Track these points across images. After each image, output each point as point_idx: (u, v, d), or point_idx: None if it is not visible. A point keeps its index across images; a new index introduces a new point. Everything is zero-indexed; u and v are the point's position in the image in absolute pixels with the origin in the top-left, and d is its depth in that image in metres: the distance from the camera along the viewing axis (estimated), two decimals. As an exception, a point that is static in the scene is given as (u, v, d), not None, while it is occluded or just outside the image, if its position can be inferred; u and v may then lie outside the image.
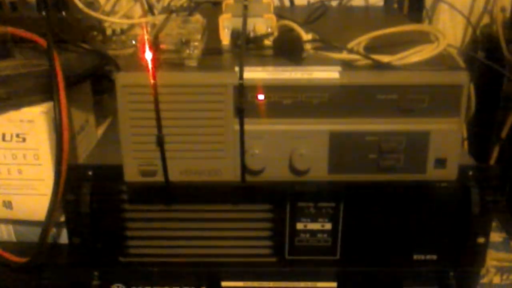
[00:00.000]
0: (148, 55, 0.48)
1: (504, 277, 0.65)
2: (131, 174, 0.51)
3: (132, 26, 0.84)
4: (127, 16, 0.82)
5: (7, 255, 0.61)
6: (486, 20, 0.88)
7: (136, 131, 0.49)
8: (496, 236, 0.69)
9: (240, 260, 0.60)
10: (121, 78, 0.48)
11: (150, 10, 0.80)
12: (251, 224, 0.58)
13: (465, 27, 0.89)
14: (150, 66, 0.48)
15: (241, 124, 0.49)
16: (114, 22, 0.76)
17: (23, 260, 0.60)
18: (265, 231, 0.59)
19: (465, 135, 0.71)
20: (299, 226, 0.58)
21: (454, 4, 0.86)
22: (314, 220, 0.58)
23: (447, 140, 0.50)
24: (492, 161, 0.70)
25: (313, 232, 0.58)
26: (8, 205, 0.61)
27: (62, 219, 0.61)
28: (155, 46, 0.49)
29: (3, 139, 0.58)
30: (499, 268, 0.65)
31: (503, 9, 0.83)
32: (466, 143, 0.72)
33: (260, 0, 0.60)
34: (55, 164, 0.56)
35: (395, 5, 0.85)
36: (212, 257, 0.60)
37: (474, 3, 0.88)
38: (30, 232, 0.64)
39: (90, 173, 0.56)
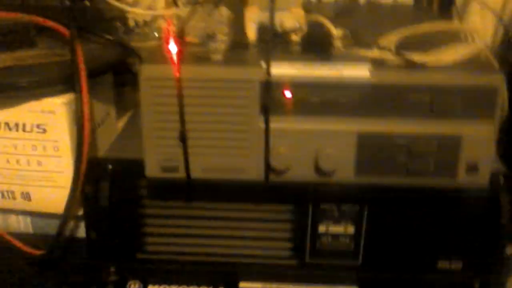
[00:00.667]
0: (173, 48, 0.47)
1: (531, 288, 0.63)
2: (152, 169, 0.50)
3: (155, 18, 0.83)
4: (150, 7, 0.81)
5: (23, 246, 0.60)
6: (518, 21, 0.85)
7: (158, 125, 0.48)
8: (524, 246, 0.67)
9: (260, 261, 0.58)
10: (145, 70, 0.47)
11: (174, 2, 0.79)
12: (272, 224, 0.57)
13: (496, 27, 0.87)
14: (174, 59, 0.46)
15: (267, 122, 0.48)
16: (137, 13, 0.75)
17: (39, 252, 0.59)
18: (286, 232, 0.57)
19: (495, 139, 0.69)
20: (321, 228, 0.57)
21: (486, 3, 0.84)
22: (336, 223, 0.57)
23: (479, 145, 0.49)
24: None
25: (335, 236, 0.57)
26: (26, 196, 0.60)
27: (81, 212, 0.60)
28: (180, 38, 0.48)
29: (24, 129, 0.57)
30: (526, 279, 0.62)
31: (537, 10, 0.80)
32: (496, 148, 0.70)
33: (288, -6, 0.58)
34: (75, 156, 0.55)
35: (424, 3, 0.82)
36: (231, 257, 0.58)
37: (506, 3, 0.86)
38: (48, 224, 0.64)
39: (110, 167, 0.55)
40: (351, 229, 0.57)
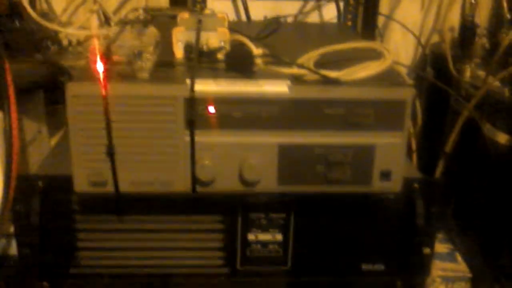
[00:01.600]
0: (100, 66, 0.48)
1: (449, 286, 0.67)
2: (81, 184, 0.51)
3: (89, 38, 0.84)
4: (83, 27, 0.81)
5: (-46, 267, 0.59)
6: (435, 39, 0.91)
7: (86, 141, 0.50)
8: (442, 247, 0.71)
9: (193, 271, 0.60)
10: (72, 88, 0.48)
11: (107, 22, 0.81)
12: (202, 235, 0.59)
13: (416, 46, 0.93)
14: (101, 76, 0.48)
15: (192, 136, 0.50)
16: (68, 33, 0.75)
17: (-30, 272, 0.59)
18: (217, 242, 0.59)
19: (414, 148, 0.74)
20: (251, 237, 0.59)
21: (405, 23, 0.89)
22: (265, 230, 0.59)
23: (391, 154, 0.52)
24: (437, 175, 0.73)
25: (264, 243, 0.59)
26: (-45, 215, 0.60)
27: (12, 230, 0.60)
28: (107, 57, 0.50)
29: (-48, 148, 0.57)
30: (444, 278, 0.67)
31: (451, 29, 0.87)
32: (414, 156, 0.74)
33: (215, 14, 0.61)
34: (4, 174, 0.55)
35: (349, 23, 0.87)
36: (164, 268, 0.60)
37: (424, 22, 0.92)
38: (-21, 243, 0.63)
39: (40, 183, 0.56)
40: (279, 237, 0.59)
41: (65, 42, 0.82)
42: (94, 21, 0.80)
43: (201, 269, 0.60)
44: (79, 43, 0.83)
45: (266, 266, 0.60)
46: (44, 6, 0.82)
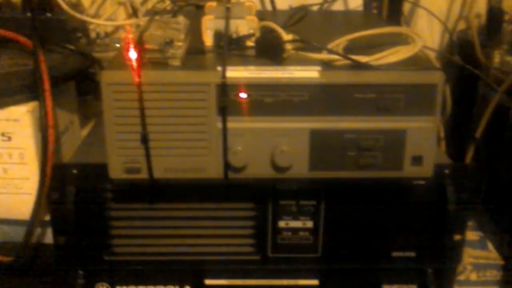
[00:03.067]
0: (133, 54, 0.49)
1: (481, 274, 0.66)
2: (116, 171, 0.52)
3: (116, 29, 0.85)
4: (111, 19, 0.83)
5: (-9, 254, 0.61)
6: (462, 25, 0.91)
7: (120, 128, 0.50)
8: (473, 235, 0.71)
9: (224, 258, 0.61)
10: (106, 76, 0.49)
11: (134, 13, 0.82)
12: (234, 222, 0.59)
13: (442, 32, 0.92)
14: (134, 64, 0.49)
15: (224, 122, 0.50)
16: (99, 24, 0.77)
17: (7, 259, 0.60)
18: (248, 229, 0.60)
19: (442, 135, 0.73)
20: (281, 224, 0.59)
21: (431, 10, 0.89)
22: (295, 218, 0.59)
23: (423, 138, 0.52)
24: (467, 161, 0.72)
25: (294, 230, 0.60)
26: (-8, 204, 0.61)
27: (47, 218, 0.62)
28: (139, 45, 0.50)
29: (-11, 138, 0.58)
30: (476, 265, 0.66)
31: (478, 15, 0.86)
32: (443, 143, 0.74)
33: (242, 2, 0.61)
34: (40, 163, 0.57)
35: (374, 10, 0.87)
36: (196, 255, 0.60)
37: (450, 9, 0.91)
38: (14, 231, 0.65)
39: (74, 171, 0.57)
40: (309, 224, 0.59)
41: (92, 34, 0.83)
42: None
43: (231, 256, 0.61)
44: (106, 35, 0.84)
45: (296, 253, 0.61)
46: (73, -2, 0.83)
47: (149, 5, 0.85)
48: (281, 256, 0.61)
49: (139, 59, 0.49)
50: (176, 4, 0.71)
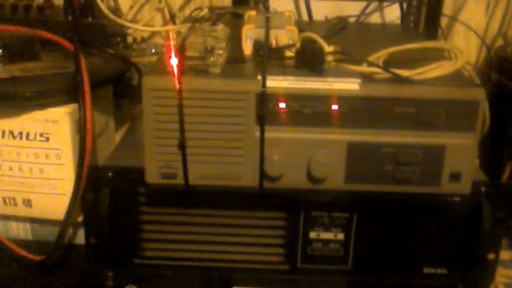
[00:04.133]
0: (174, 61, 0.50)
1: (513, 294, 0.65)
2: (152, 176, 0.52)
3: (152, 35, 0.86)
4: (148, 25, 0.84)
5: (23, 252, 0.62)
6: (500, 42, 0.89)
7: (159, 133, 0.51)
8: (505, 254, 0.69)
9: (253, 266, 0.60)
10: (148, 81, 0.50)
11: (172, 19, 0.82)
12: (265, 231, 0.59)
13: (479, 48, 0.91)
14: (176, 71, 0.49)
15: (262, 131, 0.50)
16: (138, 29, 0.77)
17: (38, 258, 0.61)
18: (279, 238, 0.59)
19: (477, 152, 0.72)
20: (312, 235, 0.59)
21: (469, 25, 0.88)
22: (327, 229, 0.59)
23: (462, 155, 0.52)
24: (504, 179, 0.71)
25: (325, 242, 0.59)
26: (27, 203, 0.62)
27: (79, 219, 0.62)
28: (181, 52, 0.51)
29: (27, 138, 0.59)
30: (508, 285, 0.65)
31: (517, 32, 0.85)
32: (478, 160, 0.73)
33: (282, 13, 0.61)
34: (77, 164, 0.57)
35: (411, 24, 0.86)
36: (225, 262, 0.60)
37: (489, 25, 0.90)
38: (47, 231, 0.65)
39: (110, 174, 0.57)
40: (341, 236, 0.59)
41: (129, 39, 0.84)
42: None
43: (261, 265, 0.60)
44: (143, 40, 0.85)
45: (326, 264, 0.60)
46: (111, 3, 0.84)
47: (186, 12, 0.86)
48: (311, 267, 0.60)
49: (180, 65, 0.50)
50: (214, 11, 0.72)
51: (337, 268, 0.60)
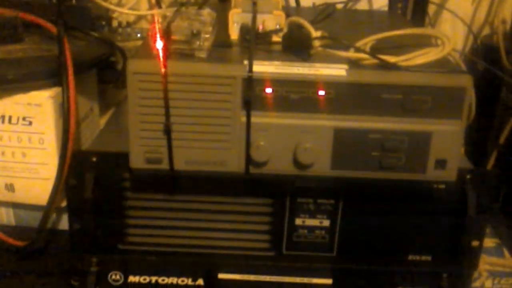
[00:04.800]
0: (160, 44, 0.49)
1: (496, 281, 0.66)
2: (137, 161, 0.52)
3: (138, 19, 0.85)
4: (134, 9, 0.82)
5: (6, 238, 0.61)
6: (486, 30, 0.90)
7: (144, 118, 0.50)
8: (489, 242, 0.70)
9: (238, 253, 0.60)
10: (133, 65, 0.49)
11: (158, 3, 0.81)
12: (251, 217, 0.59)
13: (466, 36, 0.91)
14: (161, 55, 0.48)
15: (248, 116, 0.50)
16: (123, 12, 0.76)
17: (22, 243, 0.60)
18: (264, 225, 0.59)
19: (463, 140, 0.72)
20: (298, 221, 0.59)
21: (456, 13, 0.88)
22: (312, 216, 0.59)
23: (448, 142, 0.52)
24: (489, 166, 0.71)
25: (311, 228, 0.59)
26: (10, 187, 0.61)
27: (63, 204, 0.61)
28: (166, 36, 0.50)
29: (9, 121, 0.58)
30: (491, 272, 0.66)
31: (503, 21, 0.85)
32: (463, 147, 0.73)
33: (269, -3, 0.61)
34: (60, 148, 0.56)
35: (399, 11, 0.86)
36: (210, 249, 0.60)
37: (476, 13, 0.90)
38: (30, 216, 0.65)
39: (94, 159, 0.57)
40: (326, 223, 0.59)
41: (114, 23, 0.83)
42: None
43: (246, 251, 0.60)
44: (128, 24, 0.84)
45: (311, 251, 0.60)
46: (96, -14, 0.83)
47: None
48: (296, 254, 0.60)
49: (166, 49, 0.49)
50: (201, -4, 0.71)
51: (323, 255, 0.60)
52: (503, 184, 0.72)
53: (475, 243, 0.60)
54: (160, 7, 0.79)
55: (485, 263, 0.66)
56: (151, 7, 0.84)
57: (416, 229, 0.59)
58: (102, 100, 0.73)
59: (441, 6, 0.88)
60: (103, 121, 0.72)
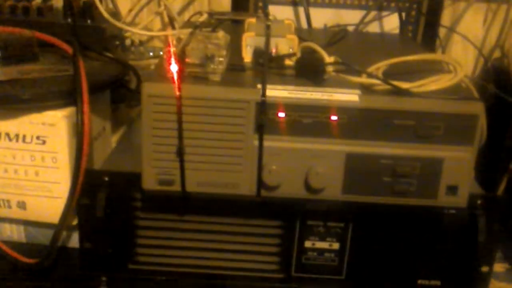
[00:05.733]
0: (174, 67, 0.49)
1: (506, 306, 0.65)
2: (149, 182, 0.52)
3: (150, 38, 0.86)
4: (147, 28, 0.83)
5: (17, 255, 0.61)
6: (497, 54, 0.90)
7: (157, 140, 0.51)
8: (499, 266, 0.69)
9: (248, 274, 0.60)
10: (148, 88, 0.49)
11: (171, 23, 0.82)
12: (260, 239, 0.59)
13: (477, 59, 0.91)
14: (175, 78, 0.49)
15: (261, 140, 0.50)
16: (137, 33, 0.77)
17: (33, 261, 0.60)
18: (274, 247, 0.59)
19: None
20: (307, 244, 0.59)
21: (467, 36, 0.88)
22: (322, 239, 0.59)
23: (459, 168, 0.52)
24: (499, 192, 0.71)
25: (320, 251, 0.59)
26: (22, 205, 0.62)
27: (74, 223, 0.62)
28: (181, 59, 0.51)
29: (23, 140, 0.59)
30: (501, 298, 0.65)
31: (514, 44, 0.85)
32: (473, 172, 0.73)
33: (282, 21, 0.61)
34: (73, 167, 0.57)
35: (410, 34, 0.86)
36: (220, 270, 0.60)
37: (486, 36, 0.90)
38: (41, 234, 0.65)
39: (106, 178, 0.57)
40: (335, 246, 0.59)
41: (127, 42, 0.84)
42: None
43: (256, 273, 0.60)
44: (141, 43, 0.85)
45: (320, 274, 0.60)
46: (110, 6, 0.84)
47: (185, 16, 0.86)
48: (305, 276, 0.60)
49: (180, 72, 0.49)
50: (214, 17, 0.71)
51: (332, 277, 0.60)
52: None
53: (484, 269, 0.60)
54: (173, 26, 0.80)
55: (495, 288, 0.66)
56: (163, 26, 0.85)
57: (426, 254, 0.59)
58: (114, 118, 0.74)
59: (451, 29, 0.89)
60: (114, 139, 0.73)
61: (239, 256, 0.60)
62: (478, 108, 0.51)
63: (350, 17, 0.87)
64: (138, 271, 0.60)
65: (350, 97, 0.50)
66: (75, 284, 0.61)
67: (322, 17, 0.86)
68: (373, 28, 0.88)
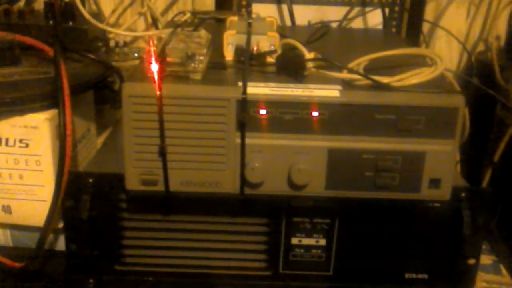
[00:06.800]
0: (155, 67, 0.49)
1: (493, 298, 0.66)
2: (132, 182, 0.52)
3: (135, 39, 0.86)
4: (130, 29, 0.83)
5: (3, 259, 0.61)
6: (481, 47, 0.90)
7: (139, 140, 0.50)
8: (485, 259, 0.70)
9: (235, 272, 0.60)
10: (128, 88, 0.49)
11: (154, 24, 0.82)
12: (247, 237, 0.59)
13: (461, 53, 0.92)
14: (156, 77, 0.49)
15: (243, 138, 0.50)
16: (120, 34, 0.77)
17: (19, 264, 0.60)
18: (260, 244, 0.59)
19: (457, 157, 0.73)
20: (294, 241, 0.59)
21: (450, 31, 0.89)
22: (309, 235, 0.59)
23: (441, 161, 0.52)
24: (484, 184, 0.72)
25: (307, 247, 0.59)
26: (7, 209, 0.61)
27: (60, 226, 0.62)
28: (161, 58, 0.51)
29: (6, 144, 0.58)
30: (488, 290, 0.65)
31: (497, 38, 0.85)
32: (458, 165, 0.73)
33: (264, 18, 0.61)
34: (57, 170, 0.57)
35: (393, 29, 0.87)
36: (207, 269, 0.60)
37: (470, 31, 0.91)
38: (27, 237, 0.65)
39: (90, 180, 0.57)
40: (322, 242, 0.59)
41: (111, 44, 0.84)
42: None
43: (243, 271, 0.60)
44: (125, 44, 0.85)
45: (308, 270, 0.60)
46: (93, 7, 0.84)
47: (169, 16, 0.86)
48: (293, 273, 0.60)
49: (161, 72, 0.49)
50: (197, 16, 0.71)
51: (319, 274, 0.60)
52: (498, 201, 0.72)
53: (471, 261, 0.60)
54: (156, 27, 0.80)
55: (482, 280, 0.66)
56: (147, 27, 0.85)
57: (412, 248, 0.59)
58: (99, 119, 0.74)
59: (435, 24, 0.89)
60: (100, 140, 0.73)
61: (226, 255, 0.60)
62: (459, 101, 0.51)
63: (334, 14, 0.87)
64: (125, 272, 0.60)
65: (331, 92, 0.50)
66: (62, 287, 0.61)
67: (306, 14, 0.87)
68: (357, 24, 0.88)
